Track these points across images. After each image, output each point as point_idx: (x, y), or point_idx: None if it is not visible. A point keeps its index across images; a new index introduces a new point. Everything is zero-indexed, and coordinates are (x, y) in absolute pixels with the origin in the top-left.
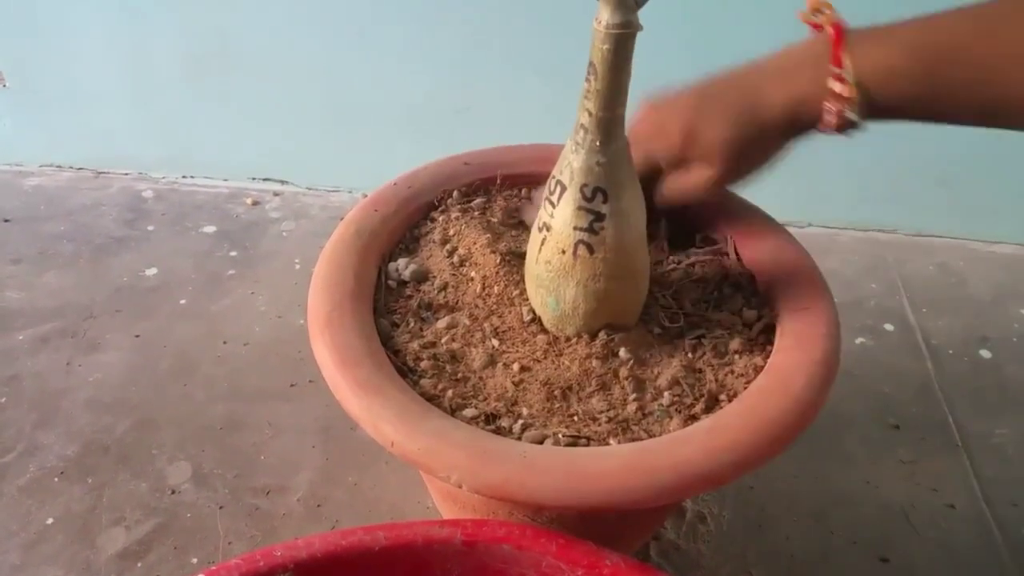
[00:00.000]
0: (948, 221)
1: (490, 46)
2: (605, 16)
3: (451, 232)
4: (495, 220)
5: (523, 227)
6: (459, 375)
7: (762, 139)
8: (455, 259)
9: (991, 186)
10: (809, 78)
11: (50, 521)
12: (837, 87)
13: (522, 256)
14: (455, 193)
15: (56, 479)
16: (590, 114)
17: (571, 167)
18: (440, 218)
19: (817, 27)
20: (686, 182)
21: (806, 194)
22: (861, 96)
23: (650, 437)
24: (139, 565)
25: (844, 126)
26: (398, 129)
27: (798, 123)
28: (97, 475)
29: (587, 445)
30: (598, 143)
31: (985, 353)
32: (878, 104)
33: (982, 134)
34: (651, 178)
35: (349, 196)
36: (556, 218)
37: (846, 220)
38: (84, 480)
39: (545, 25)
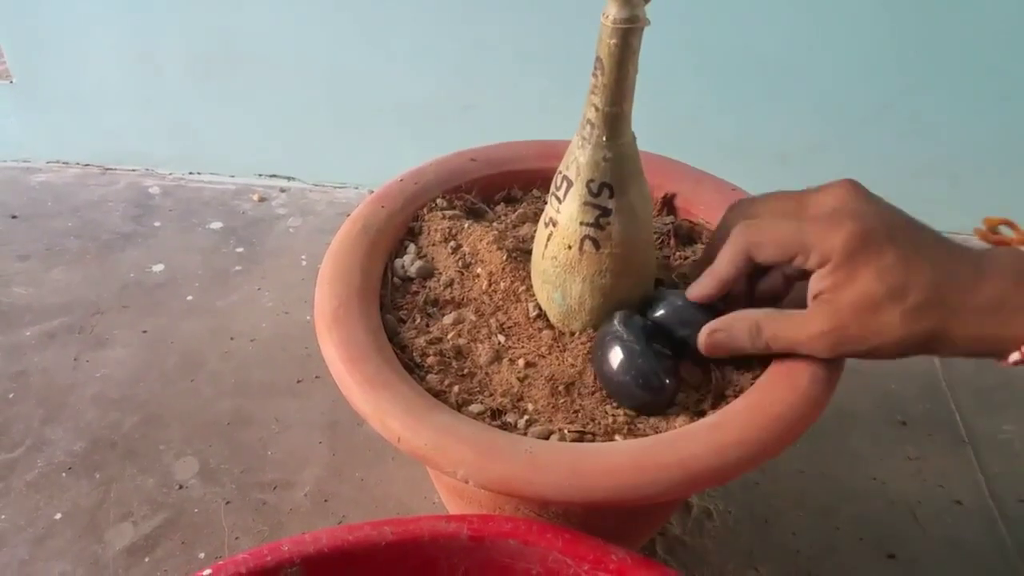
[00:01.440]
0: (955, 219)
1: (496, 43)
2: (612, 11)
3: (456, 228)
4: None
5: (527, 224)
6: (465, 371)
7: (938, 314)
8: (461, 255)
9: (999, 184)
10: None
11: (58, 516)
12: None
13: (528, 252)
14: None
15: (64, 474)
16: (596, 109)
17: (577, 162)
18: (447, 214)
19: (1000, 243)
20: (791, 329)
21: None
22: None
23: (656, 433)
24: (147, 560)
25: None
26: (404, 126)
27: (968, 353)
28: (104, 470)
29: (593, 441)
30: (604, 138)
31: None
32: None
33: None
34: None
35: (355, 192)
36: (562, 213)
37: None
38: (92, 475)
39: (551, 22)
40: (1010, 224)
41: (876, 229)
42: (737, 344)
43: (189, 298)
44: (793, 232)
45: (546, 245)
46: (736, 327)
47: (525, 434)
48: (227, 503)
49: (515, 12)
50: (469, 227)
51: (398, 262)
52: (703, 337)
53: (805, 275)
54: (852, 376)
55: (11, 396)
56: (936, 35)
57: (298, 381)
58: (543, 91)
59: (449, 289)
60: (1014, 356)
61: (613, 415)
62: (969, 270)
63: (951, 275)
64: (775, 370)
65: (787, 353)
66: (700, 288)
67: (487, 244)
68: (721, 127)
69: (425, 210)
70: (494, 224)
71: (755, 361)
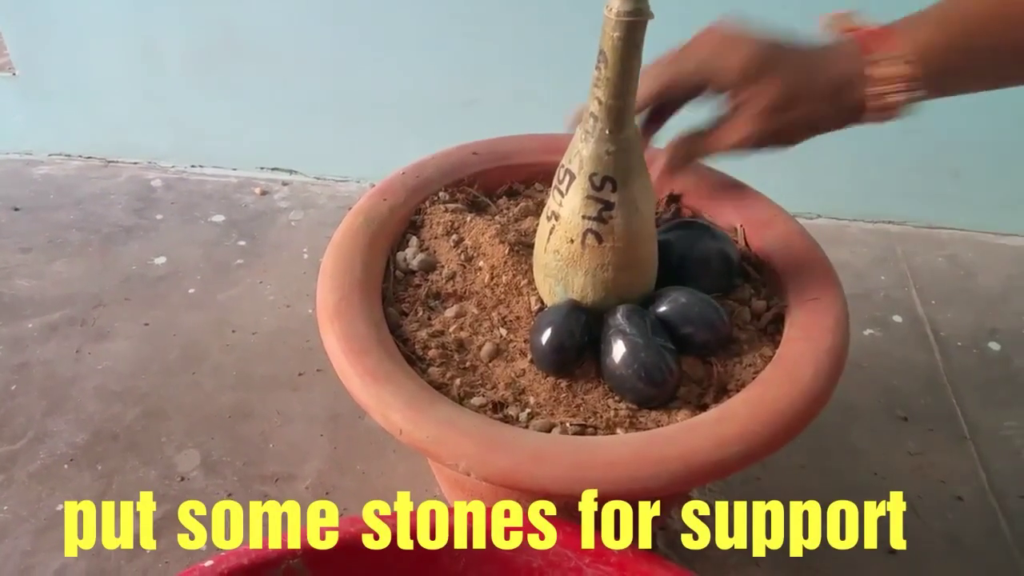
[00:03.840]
0: (958, 213)
1: (499, 37)
2: (616, 4)
3: (458, 222)
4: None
5: (530, 217)
6: (467, 364)
7: (812, 105)
8: (463, 249)
9: (1002, 178)
10: (849, 67)
11: (60, 508)
12: (879, 71)
13: (530, 246)
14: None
15: (66, 466)
16: (600, 102)
17: (580, 156)
18: (449, 207)
19: (850, 31)
20: (727, 136)
21: (816, 185)
22: (909, 74)
23: (658, 427)
24: (148, 552)
25: (891, 107)
26: (406, 120)
27: (844, 102)
28: (106, 462)
29: (594, 434)
30: (608, 131)
31: (994, 345)
32: (928, 79)
33: (994, 126)
34: (680, 95)
35: (357, 186)
36: (565, 207)
37: (856, 211)
38: (94, 467)
39: (554, 16)
40: (849, 17)
41: (764, 49)
42: (690, 156)
43: (191, 291)
44: (697, 66)
45: (548, 239)
46: (685, 144)
47: (527, 427)
48: (229, 495)
49: (518, 6)
50: (471, 220)
51: (400, 255)
52: (666, 162)
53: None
54: (853, 371)
55: (13, 388)
56: None
57: (299, 374)
58: (545, 85)
59: (451, 282)
60: (872, 101)
61: (615, 408)
62: (822, 63)
63: (816, 71)
64: (777, 365)
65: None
66: None
67: (489, 237)
68: None
69: (427, 203)
70: (496, 217)
71: (757, 356)
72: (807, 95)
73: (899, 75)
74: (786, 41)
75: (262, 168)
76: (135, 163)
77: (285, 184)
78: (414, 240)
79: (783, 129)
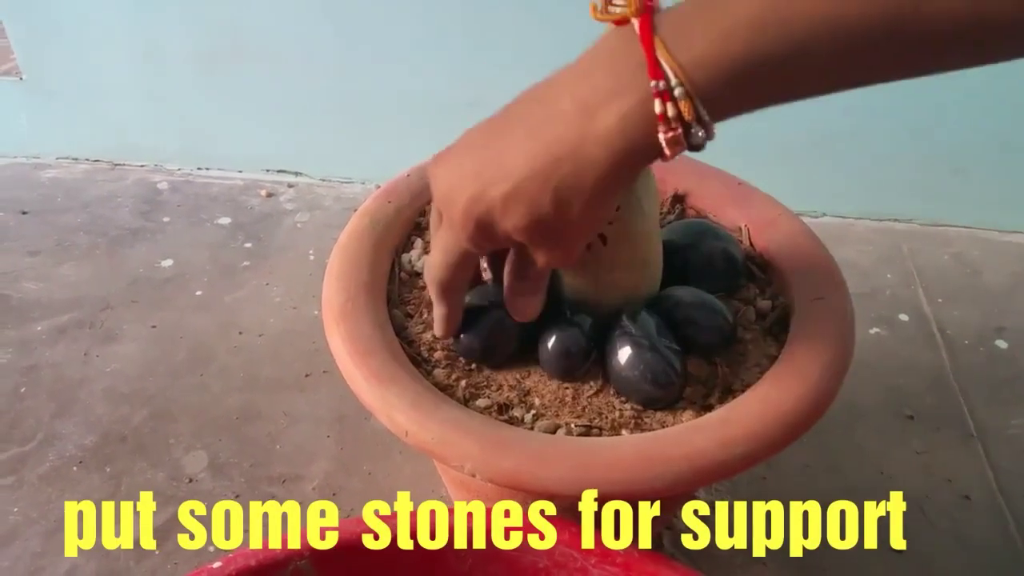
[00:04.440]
0: (964, 211)
1: (502, 38)
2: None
3: None
4: None
5: None
6: (472, 365)
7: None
8: None
9: (1008, 176)
10: (627, 103)
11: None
12: (666, 108)
13: None
14: None
15: (75, 468)
16: None
17: None
18: None
19: (620, 22)
20: (527, 284)
21: (821, 184)
22: (699, 108)
23: (663, 427)
24: (157, 553)
25: (694, 147)
26: (411, 121)
27: (633, 164)
28: (115, 464)
29: (599, 435)
30: None
31: (1001, 343)
32: (724, 104)
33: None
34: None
35: (362, 187)
36: None
37: (861, 210)
38: (102, 469)
39: (558, 16)
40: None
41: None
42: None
43: (198, 293)
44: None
45: None
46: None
47: (532, 428)
48: (236, 496)
49: (521, 6)
50: None
51: (405, 257)
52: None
53: None
54: (860, 370)
55: (23, 391)
56: None
57: (306, 375)
58: None
59: None
60: (667, 147)
61: (620, 409)
62: (532, 98)
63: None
64: (782, 365)
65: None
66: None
67: None
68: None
69: (432, 205)
70: None
71: (763, 356)
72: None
73: (685, 115)
74: (495, 122)
75: (268, 170)
76: (141, 166)
77: (291, 186)
78: (419, 242)
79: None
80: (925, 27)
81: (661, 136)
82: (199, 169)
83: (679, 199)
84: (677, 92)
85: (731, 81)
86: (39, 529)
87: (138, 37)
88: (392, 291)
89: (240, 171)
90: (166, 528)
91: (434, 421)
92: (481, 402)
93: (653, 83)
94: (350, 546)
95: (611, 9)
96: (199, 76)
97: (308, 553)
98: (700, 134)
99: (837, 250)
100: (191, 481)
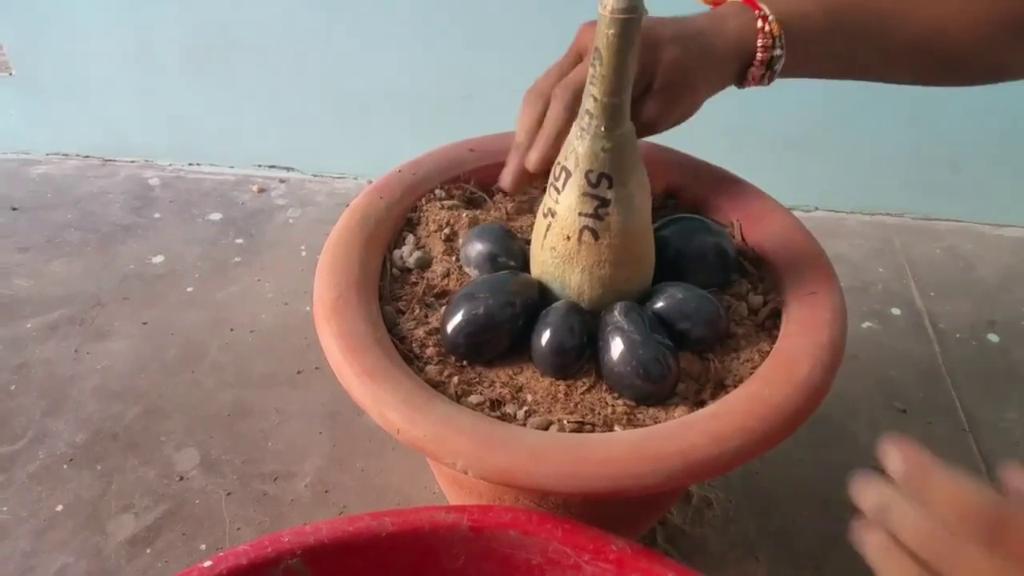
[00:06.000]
0: (956, 204)
1: (495, 33)
2: (611, 1)
3: (455, 219)
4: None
5: (526, 215)
6: (464, 362)
7: (716, 70)
8: (456, 246)
9: (1000, 169)
10: (738, 26)
11: (60, 508)
12: (763, 26)
13: (526, 243)
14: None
15: (65, 466)
16: (595, 99)
17: (576, 153)
18: (445, 204)
19: (716, 3)
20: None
21: (813, 178)
22: (783, 30)
23: (656, 423)
24: (148, 551)
25: (770, 64)
26: (403, 116)
27: (734, 62)
28: (106, 462)
29: (592, 431)
30: (603, 128)
31: (993, 337)
32: (796, 43)
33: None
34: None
35: (354, 183)
36: (561, 204)
37: (853, 204)
38: (93, 467)
39: (551, 11)
40: None
41: (650, 29)
42: None
43: (189, 289)
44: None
45: (545, 236)
46: None
47: (524, 425)
48: (228, 494)
49: (512, 3)
50: (467, 217)
51: (396, 253)
52: None
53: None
54: (851, 363)
55: (12, 388)
56: None
57: (298, 372)
58: None
59: (447, 279)
60: (759, 53)
61: (612, 405)
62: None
63: (708, 33)
64: (775, 360)
65: None
66: None
67: None
68: (724, 113)
69: (423, 200)
70: (491, 214)
71: (755, 351)
72: (702, 62)
73: (774, 32)
74: (670, 19)
75: (259, 166)
76: (132, 162)
77: (282, 181)
78: (411, 238)
79: (685, 101)
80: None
81: (757, 42)
82: (190, 165)
83: (671, 194)
84: (769, 16)
85: (801, 24)
86: (29, 528)
87: (129, 32)
88: (383, 287)
89: (231, 167)
90: (157, 526)
91: (426, 418)
92: (473, 399)
93: (756, 11)
94: (342, 544)
95: None
96: (190, 71)
97: (300, 551)
98: (779, 52)
99: (829, 244)
100: (182, 479)
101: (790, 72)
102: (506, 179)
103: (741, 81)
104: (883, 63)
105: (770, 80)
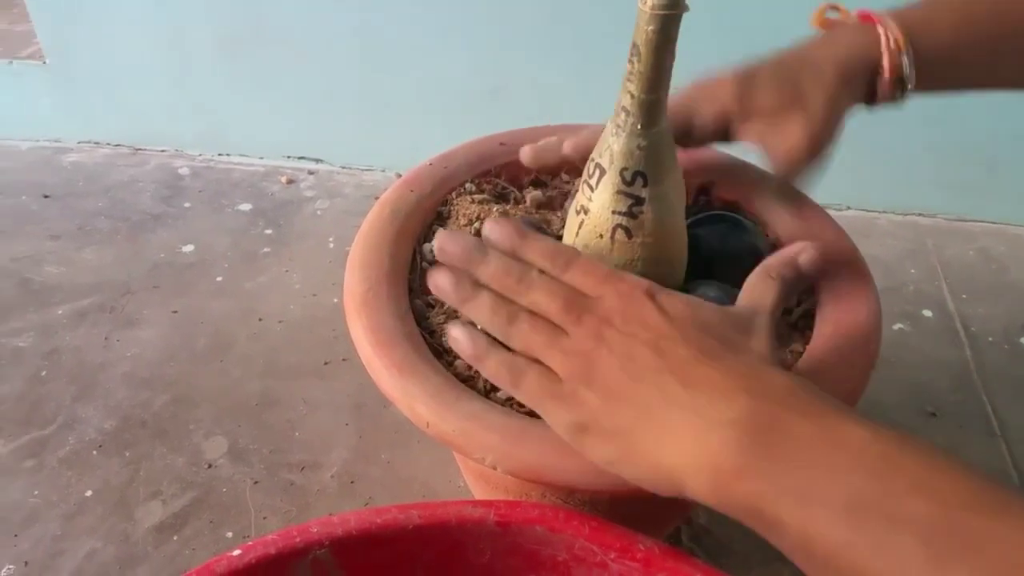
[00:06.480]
0: (991, 205)
1: (527, 24)
2: None
3: (485, 213)
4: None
5: (555, 210)
6: None
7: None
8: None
9: None
10: (856, 39)
11: (89, 493)
12: (887, 37)
13: (558, 239)
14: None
15: (95, 452)
16: (632, 96)
17: (611, 150)
18: (476, 199)
19: (828, 26)
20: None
21: (846, 176)
22: (910, 42)
23: None
24: (175, 538)
25: (899, 80)
26: (432, 109)
27: (856, 76)
28: (135, 449)
29: None
30: (640, 126)
31: None
32: (925, 55)
33: None
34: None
35: (383, 175)
36: (594, 202)
37: (886, 203)
38: (122, 453)
39: (579, 6)
40: (835, 7)
41: (743, 69)
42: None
43: (218, 279)
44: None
45: (577, 233)
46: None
47: None
48: (255, 483)
49: None
50: (497, 212)
51: (427, 246)
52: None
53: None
54: (882, 366)
55: (43, 374)
56: None
57: (325, 363)
58: (575, 73)
59: None
60: (884, 68)
61: None
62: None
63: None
64: (808, 362)
65: None
66: None
67: None
68: None
69: (454, 194)
70: (520, 208)
71: (788, 352)
72: (811, 80)
73: (900, 44)
74: (769, 53)
75: (288, 157)
76: (163, 151)
77: (311, 173)
78: (441, 231)
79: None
80: None
81: (882, 58)
82: (220, 155)
83: (704, 190)
84: (893, 30)
85: (929, 32)
86: (59, 512)
87: (161, 22)
88: (413, 281)
89: (261, 157)
90: (184, 513)
91: (455, 413)
92: (502, 394)
93: (878, 28)
94: (369, 536)
95: (830, 15)
96: (221, 62)
97: (328, 542)
98: (906, 61)
99: (861, 244)
100: (210, 467)
101: (926, 85)
102: (528, 151)
103: (871, 98)
104: None
105: (903, 95)
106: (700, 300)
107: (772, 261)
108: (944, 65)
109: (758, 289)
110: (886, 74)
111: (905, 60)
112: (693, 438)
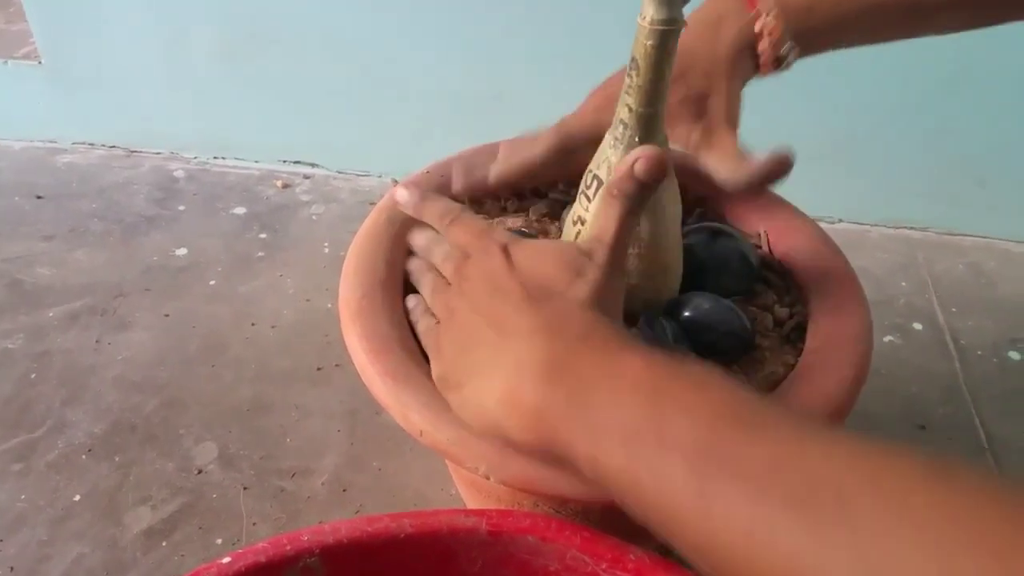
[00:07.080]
0: (981, 220)
1: (526, 31)
2: (650, 12)
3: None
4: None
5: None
6: None
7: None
8: None
9: None
10: (735, 25)
11: (77, 498)
12: (761, 25)
13: None
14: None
15: (84, 456)
16: (630, 110)
17: (609, 162)
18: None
19: None
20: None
21: (838, 189)
22: (786, 24)
23: None
24: (164, 544)
25: (779, 61)
26: (429, 115)
27: (744, 61)
28: (124, 453)
29: None
30: (637, 139)
31: (1015, 355)
32: (806, 29)
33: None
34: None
35: (378, 181)
36: (591, 212)
37: (877, 216)
38: (111, 458)
39: (584, 10)
40: None
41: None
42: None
43: (212, 283)
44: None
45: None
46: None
47: None
48: (245, 489)
49: (543, 3)
50: (495, 221)
51: None
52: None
53: None
54: (872, 378)
55: (33, 376)
56: (965, 35)
57: (318, 369)
58: (574, 82)
59: None
60: (763, 56)
61: None
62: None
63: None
64: (799, 373)
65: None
66: None
67: None
68: (749, 126)
69: None
70: (516, 218)
71: (780, 364)
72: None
73: (772, 28)
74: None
75: (284, 161)
76: (158, 153)
77: (307, 177)
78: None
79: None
80: None
81: (759, 46)
82: (215, 158)
83: (699, 204)
84: (768, 10)
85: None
86: (46, 517)
87: (158, 24)
88: (409, 288)
89: (257, 161)
90: (174, 519)
91: (449, 422)
92: None
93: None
94: (360, 544)
95: None
96: (218, 65)
97: (319, 550)
98: (787, 47)
99: (852, 257)
100: (200, 472)
101: (810, 53)
102: (459, 181)
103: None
104: (915, 23)
105: (788, 67)
106: (552, 244)
107: (611, 179)
108: (827, 37)
109: (603, 214)
110: (769, 66)
111: (784, 48)
112: (504, 382)
